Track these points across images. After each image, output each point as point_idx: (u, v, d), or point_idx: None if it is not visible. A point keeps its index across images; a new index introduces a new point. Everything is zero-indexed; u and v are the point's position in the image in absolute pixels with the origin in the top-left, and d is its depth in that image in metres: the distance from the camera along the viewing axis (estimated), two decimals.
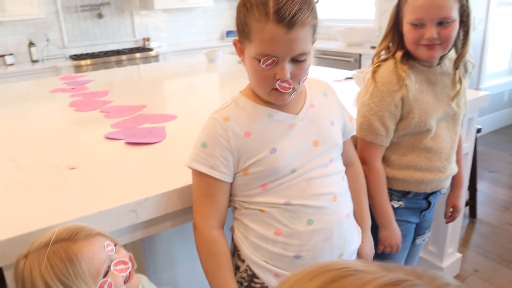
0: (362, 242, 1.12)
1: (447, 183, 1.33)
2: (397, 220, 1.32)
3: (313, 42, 0.90)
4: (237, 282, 1.00)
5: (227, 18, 5.65)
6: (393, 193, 1.30)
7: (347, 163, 1.10)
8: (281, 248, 0.95)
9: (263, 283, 0.98)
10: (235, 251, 1.03)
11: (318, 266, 0.41)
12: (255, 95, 0.96)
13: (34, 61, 4.23)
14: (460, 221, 2.05)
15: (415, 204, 1.33)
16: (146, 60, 4.48)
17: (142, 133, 1.48)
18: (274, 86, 0.88)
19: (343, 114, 1.08)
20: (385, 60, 1.24)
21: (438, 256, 2.03)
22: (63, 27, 4.43)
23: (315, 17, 0.87)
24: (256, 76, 0.89)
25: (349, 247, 1.02)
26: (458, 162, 1.37)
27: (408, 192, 1.30)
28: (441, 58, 1.24)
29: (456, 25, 1.13)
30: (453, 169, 1.33)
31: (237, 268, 1.02)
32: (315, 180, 0.95)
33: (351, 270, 0.37)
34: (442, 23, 1.11)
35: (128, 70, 3.23)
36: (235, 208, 1.02)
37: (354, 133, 1.13)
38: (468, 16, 1.15)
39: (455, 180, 1.42)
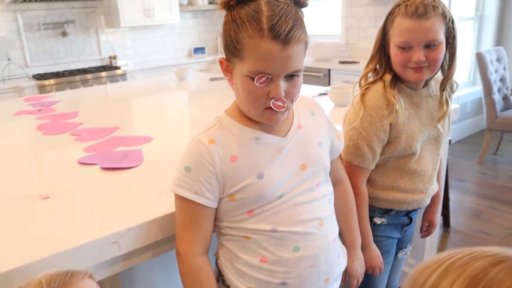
0: (353, 260, 1.10)
1: (428, 201, 1.35)
2: (380, 236, 1.32)
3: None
4: None
5: (194, 35, 5.64)
6: (375, 210, 1.30)
7: (335, 181, 1.09)
8: (266, 275, 0.92)
9: None
10: (219, 276, 1.00)
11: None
12: (241, 115, 0.93)
13: None
14: (437, 232, 2.08)
15: (397, 220, 1.33)
16: (113, 79, 4.38)
17: (118, 157, 1.42)
18: (267, 105, 0.85)
19: (330, 133, 1.06)
20: (373, 82, 1.22)
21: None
22: (25, 45, 4.29)
23: (306, 33, 0.85)
24: (248, 95, 0.85)
25: (335, 271, 1.00)
26: (438, 179, 1.39)
27: (391, 210, 1.30)
28: (427, 80, 1.23)
29: (443, 47, 1.13)
30: (434, 189, 1.34)
31: None
32: (303, 205, 0.93)
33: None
34: (430, 45, 1.11)
35: (96, 90, 3.15)
36: (219, 234, 0.99)
37: (341, 150, 1.11)
38: (454, 38, 1.15)
39: (433, 196, 1.43)
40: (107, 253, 0.91)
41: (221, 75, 3.52)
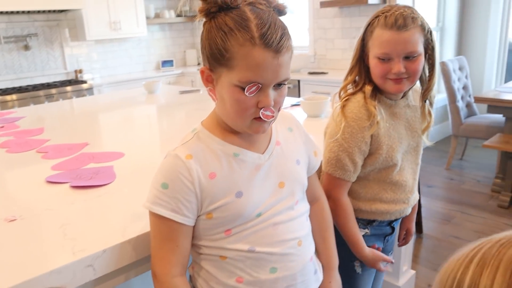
0: (330, 282, 1.07)
1: (410, 210, 1.35)
2: None
3: None
4: None
5: (162, 48, 5.59)
6: (358, 221, 1.28)
7: (312, 199, 1.07)
8: None
9: None
10: None
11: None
12: (220, 128, 0.90)
13: None
14: (412, 239, 2.11)
15: (380, 230, 1.33)
16: (79, 93, 4.27)
17: (89, 175, 1.36)
18: (256, 115, 0.83)
19: (308, 150, 1.04)
20: (353, 93, 1.21)
21: (394, 275, 2.07)
22: None
23: (292, 42, 0.84)
24: (236, 105, 0.82)
25: None
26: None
27: (373, 221, 1.29)
28: (406, 91, 1.24)
29: (422, 59, 1.13)
30: (415, 198, 1.35)
31: None
32: (282, 225, 0.91)
33: None
34: (409, 57, 1.11)
35: (61, 105, 3.05)
36: (195, 252, 0.95)
37: (318, 167, 1.10)
38: (432, 49, 1.16)
39: None
40: (82, 277, 0.86)
41: (191, 88, 3.50)
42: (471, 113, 3.90)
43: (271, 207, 0.90)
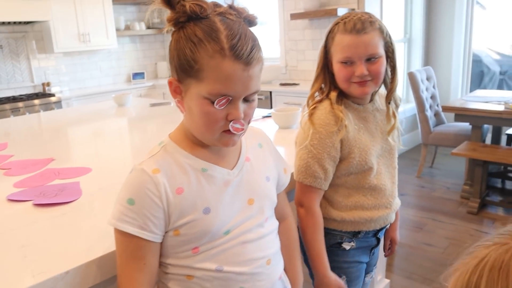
0: None
1: (393, 217, 1.35)
2: (349, 262, 1.29)
3: None
4: None
5: (133, 60, 5.52)
6: (344, 235, 1.27)
7: (280, 217, 1.05)
8: None
9: None
10: None
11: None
12: (188, 141, 0.87)
13: None
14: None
15: (366, 243, 1.31)
16: (47, 106, 4.16)
17: (53, 192, 1.31)
18: (225, 128, 0.81)
19: (278, 166, 1.03)
20: (320, 101, 1.22)
21: (370, 285, 2.06)
22: None
23: (263, 54, 0.82)
24: (205, 118, 0.80)
25: None
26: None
27: (359, 232, 1.27)
28: (372, 95, 1.25)
29: (383, 61, 1.15)
30: (397, 203, 1.34)
31: None
32: (251, 243, 0.89)
33: None
34: (371, 59, 1.13)
35: (27, 119, 2.95)
36: (160, 271, 0.91)
37: (287, 184, 1.09)
38: (393, 52, 1.18)
39: None
40: None
41: (161, 100, 3.44)
42: (439, 121, 4.00)
43: (240, 225, 0.88)
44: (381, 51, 1.15)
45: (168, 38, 0.83)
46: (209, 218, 0.84)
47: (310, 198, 1.21)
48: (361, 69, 1.13)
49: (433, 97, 4.01)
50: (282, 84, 4.15)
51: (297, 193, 1.25)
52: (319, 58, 1.22)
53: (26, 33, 4.45)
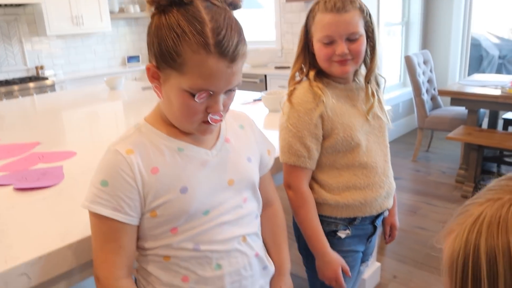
0: (281, 286, 1.05)
1: (390, 202, 1.31)
2: (345, 251, 1.27)
3: None
4: None
5: (128, 44, 5.46)
6: (339, 222, 1.25)
7: (265, 203, 1.04)
8: None
9: None
10: None
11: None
12: (164, 123, 0.86)
13: None
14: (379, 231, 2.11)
15: (362, 230, 1.29)
16: (41, 90, 4.12)
17: (35, 176, 1.29)
18: (204, 119, 0.80)
19: (261, 148, 1.02)
20: (299, 82, 1.23)
21: None
22: None
23: (247, 45, 0.80)
24: (185, 110, 0.79)
25: (256, 285, 0.97)
26: None
27: (354, 219, 1.25)
28: (355, 75, 1.25)
29: (364, 40, 1.15)
30: (391, 184, 1.30)
31: None
32: (229, 224, 0.88)
33: None
34: (351, 38, 1.13)
35: (19, 102, 2.92)
36: (138, 254, 0.91)
37: (270, 166, 1.08)
38: (373, 31, 1.18)
39: None
40: (14, 286, 0.80)
41: None
42: (436, 106, 3.97)
43: (219, 205, 0.87)
44: (362, 30, 1.14)
45: None
46: (187, 197, 0.82)
47: (297, 178, 1.20)
48: (342, 47, 1.12)
49: (430, 81, 3.97)
50: (277, 67, 4.11)
51: (284, 176, 1.24)
52: (300, 38, 1.21)
53: (18, 16, 4.38)
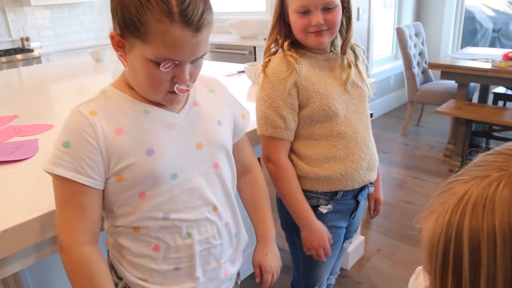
0: (266, 254, 1.05)
1: (373, 175, 1.29)
2: (327, 227, 1.25)
3: None
4: None
5: None
6: (320, 197, 1.24)
7: (243, 170, 1.04)
8: (160, 263, 0.88)
9: None
10: (111, 269, 0.93)
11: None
12: (130, 88, 0.84)
13: None
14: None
15: (344, 205, 1.28)
16: (27, 62, 4.04)
17: (9, 149, 1.27)
18: (171, 89, 0.79)
19: (234, 112, 1.01)
20: (274, 53, 1.21)
21: None
22: None
23: (213, 13, 0.78)
24: (150, 79, 0.77)
25: (226, 253, 0.98)
26: None
27: (336, 193, 1.24)
28: (332, 45, 1.24)
29: (339, 11, 1.15)
30: (373, 155, 1.28)
31: (115, 285, 0.92)
32: (198, 189, 0.88)
33: None
34: (326, 8, 1.12)
35: (2, 75, 2.85)
36: (108, 226, 0.90)
37: (245, 130, 1.07)
38: (348, 2, 1.17)
39: None
40: None
41: None
42: (427, 79, 3.94)
43: (188, 169, 0.86)
44: (337, 0, 1.13)
45: None
46: (153, 159, 0.81)
47: (275, 150, 1.19)
48: (318, 17, 1.11)
49: (421, 54, 3.93)
50: (266, 39, 4.03)
51: (262, 148, 1.23)
52: (275, 8, 1.19)
53: None
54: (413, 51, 3.75)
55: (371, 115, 2.54)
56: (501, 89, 3.56)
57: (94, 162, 0.78)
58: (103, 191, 0.83)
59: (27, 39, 4.46)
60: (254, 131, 1.24)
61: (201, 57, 0.80)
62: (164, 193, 0.84)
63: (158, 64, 0.75)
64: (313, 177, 1.21)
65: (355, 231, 1.44)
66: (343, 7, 1.17)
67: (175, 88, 0.79)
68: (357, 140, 1.22)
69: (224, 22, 4.47)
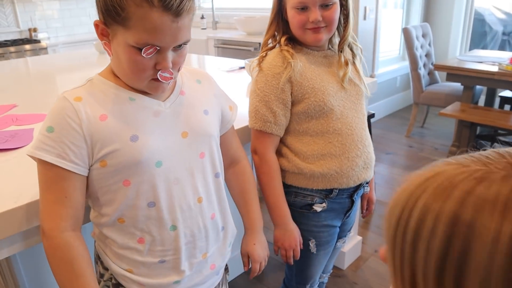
0: (254, 244, 1.07)
1: (369, 174, 1.27)
2: (320, 226, 1.25)
3: None
4: None
5: None
6: (315, 195, 1.23)
7: (231, 161, 1.04)
8: (145, 256, 0.88)
9: None
10: (97, 259, 0.94)
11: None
12: (115, 77, 0.85)
13: None
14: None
15: (338, 204, 1.26)
16: (34, 53, 4.07)
17: (4, 138, 1.27)
18: (154, 77, 0.80)
19: (221, 103, 1.01)
20: (271, 48, 1.22)
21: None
22: None
23: (194, 1, 0.79)
24: (133, 66, 0.78)
25: (212, 246, 0.98)
26: None
27: (331, 191, 1.22)
28: (330, 43, 1.24)
29: (337, 8, 1.14)
30: (370, 153, 1.26)
31: (101, 276, 0.93)
32: (183, 179, 0.88)
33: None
34: (325, 5, 1.12)
35: (4, 65, 2.87)
36: (93, 217, 0.90)
37: (233, 122, 1.07)
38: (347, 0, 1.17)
39: None
40: None
41: None
42: (433, 81, 3.90)
43: (172, 157, 0.86)
44: None
45: None
46: (137, 146, 0.81)
47: (263, 144, 1.19)
48: (315, 14, 1.10)
49: (428, 55, 3.89)
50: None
51: (251, 141, 1.23)
52: (273, 4, 1.18)
53: None
54: (419, 52, 3.71)
55: (373, 115, 2.53)
56: (508, 93, 3.52)
57: (77, 148, 0.79)
58: (88, 178, 0.83)
59: (35, 30, 4.49)
60: (247, 126, 1.24)
61: (184, 45, 0.80)
62: (148, 181, 0.84)
63: (140, 50, 0.75)
64: (308, 174, 1.20)
65: (349, 231, 1.43)
66: (341, 5, 1.17)
67: (158, 75, 0.79)
68: (353, 138, 1.21)
69: (230, 18, 4.46)
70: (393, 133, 3.91)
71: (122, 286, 0.91)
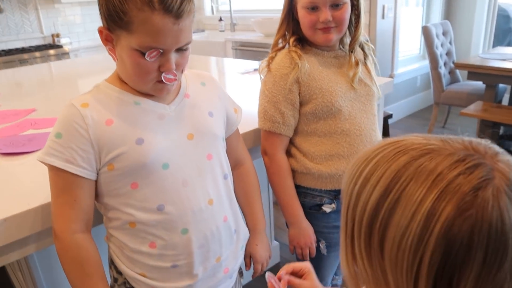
0: (256, 244, 1.07)
1: None
2: (330, 227, 1.25)
3: None
4: None
5: None
6: (324, 196, 1.23)
7: (236, 163, 1.04)
8: (157, 260, 0.89)
9: None
10: (111, 264, 0.95)
11: (395, 146, 0.49)
12: (122, 82, 0.87)
13: None
14: None
15: None
16: (56, 58, 4.16)
17: (22, 141, 1.31)
18: (158, 79, 0.82)
19: (226, 105, 1.02)
20: (280, 49, 1.22)
21: None
22: None
23: (194, 3, 0.81)
24: (137, 69, 0.80)
25: (226, 250, 0.98)
26: None
27: (340, 192, 1.22)
28: (341, 43, 1.24)
29: (348, 8, 1.14)
30: None
31: (115, 280, 0.95)
32: (191, 181, 0.89)
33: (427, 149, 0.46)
34: (335, 5, 1.12)
35: (27, 70, 2.96)
36: (106, 220, 0.92)
37: (238, 124, 1.08)
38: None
39: None
40: None
41: None
42: (454, 80, 3.82)
43: (179, 159, 0.87)
44: None
45: None
46: (143, 148, 0.83)
47: (272, 144, 1.20)
48: (326, 14, 1.11)
49: (448, 53, 3.81)
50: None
51: (261, 142, 1.24)
52: (284, 4, 1.19)
53: None
54: (439, 51, 3.64)
55: (391, 115, 2.49)
56: None
57: (85, 152, 0.81)
58: (97, 182, 0.85)
59: (57, 35, 4.59)
60: (257, 129, 1.25)
61: (187, 46, 0.82)
62: (155, 183, 0.85)
63: (144, 53, 0.77)
64: (317, 174, 1.21)
65: None
66: (352, 5, 1.16)
67: (162, 77, 0.81)
68: (361, 138, 1.21)
69: (248, 20, 4.47)
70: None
71: None
